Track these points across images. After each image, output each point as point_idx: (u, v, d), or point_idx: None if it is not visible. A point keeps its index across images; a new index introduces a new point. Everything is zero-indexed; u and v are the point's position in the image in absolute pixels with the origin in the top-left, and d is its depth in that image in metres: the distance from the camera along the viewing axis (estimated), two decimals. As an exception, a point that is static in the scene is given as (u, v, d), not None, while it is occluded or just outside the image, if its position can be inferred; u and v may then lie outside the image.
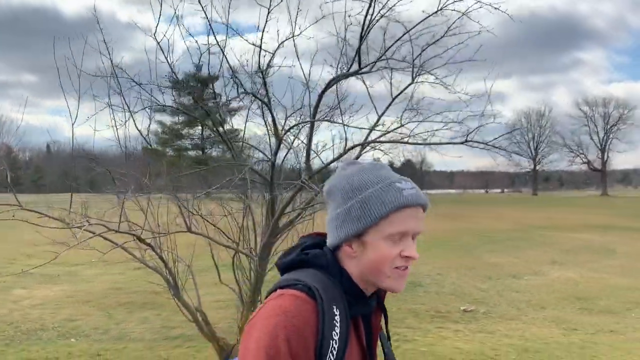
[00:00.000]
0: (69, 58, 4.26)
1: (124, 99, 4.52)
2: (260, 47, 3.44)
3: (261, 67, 3.55)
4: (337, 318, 1.11)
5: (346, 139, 4.08)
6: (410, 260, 1.19)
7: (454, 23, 4.31)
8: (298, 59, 4.07)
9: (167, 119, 60.93)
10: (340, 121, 4.45)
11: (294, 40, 4.05)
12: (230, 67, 3.46)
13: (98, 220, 4.30)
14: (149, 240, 4.77)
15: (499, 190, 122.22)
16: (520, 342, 6.85)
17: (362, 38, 3.62)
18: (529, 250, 14.61)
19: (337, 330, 1.10)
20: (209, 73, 4.34)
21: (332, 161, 4.15)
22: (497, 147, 3.64)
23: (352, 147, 4.07)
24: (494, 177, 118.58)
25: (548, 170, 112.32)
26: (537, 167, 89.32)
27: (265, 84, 3.69)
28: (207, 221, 4.69)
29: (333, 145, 4.19)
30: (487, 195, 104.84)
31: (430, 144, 3.77)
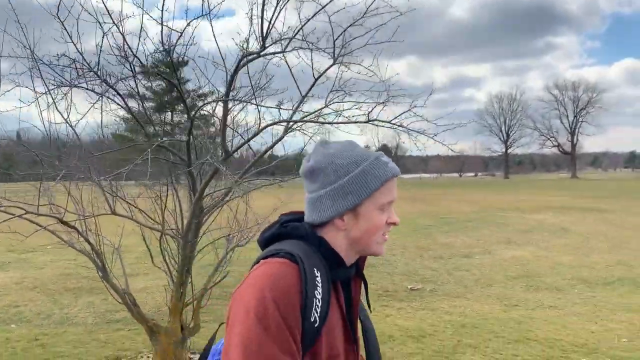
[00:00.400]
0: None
1: (44, 81, 4.43)
2: (162, 24, 3.41)
3: (164, 46, 3.53)
4: (319, 279, 1.18)
5: (260, 119, 4.10)
6: (392, 226, 1.31)
7: (372, 4, 4.34)
8: (214, 37, 4.05)
9: (137, 105, 59.96)
10: (264, 102, 4.46)
11: (210, 20, 4.04)
12: (128, 45, 3.41)
13: (14, 202, 4.25)
14: (73, 223, 4.74)
15: (472, 174, 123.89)
16: (460, 319, 7.02)
17: (263, 17, 3.61)
18: (484, 231, 14.88)
19: (320, 290, 1.17)
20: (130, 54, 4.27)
21: (247, 141, 4.17)
22: (398, 126, 3.70)
23: (266, 127, 4.09)
24: (468, 161, 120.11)
25: (522, 154, 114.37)
26: (509, 151, 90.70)
27: (172, 63, 3.67)
28: (130, 204, 4.67)
29: (248, 127, 4.20)
30: (460, 178, 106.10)
31: (336, 122, 3.83)
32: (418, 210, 20.70)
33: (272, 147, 4.61)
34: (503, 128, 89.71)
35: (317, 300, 1.16)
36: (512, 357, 5.61)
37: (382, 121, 3.73)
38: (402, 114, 3.67)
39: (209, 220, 5.20)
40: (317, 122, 3.94)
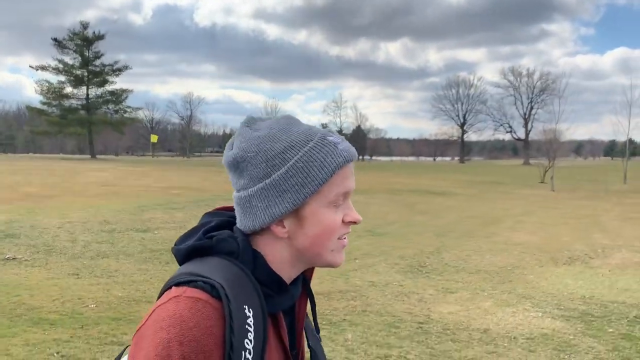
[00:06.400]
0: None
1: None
2: None
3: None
4: (251, 321, 0.89)
5: None
6: (350, 226, 1.00)
7: None
8: None
9: (52, 78, 59.30)
10: None
11: None
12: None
13: None
14: None
15: (449, 158, 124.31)
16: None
17: None
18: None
19: (251, 337, 0.88)
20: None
21: None
22: None
23: None
24: (450, 145, 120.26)
25: (508, 140, 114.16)
26: (465, 136, 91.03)
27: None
28: None
29: None
30: (419, 162, 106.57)
31: None
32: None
33: None
34: (460, 113, 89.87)
35: (248, 352, 0.87)
36: None
37: None
38: None
39: None
40: None
